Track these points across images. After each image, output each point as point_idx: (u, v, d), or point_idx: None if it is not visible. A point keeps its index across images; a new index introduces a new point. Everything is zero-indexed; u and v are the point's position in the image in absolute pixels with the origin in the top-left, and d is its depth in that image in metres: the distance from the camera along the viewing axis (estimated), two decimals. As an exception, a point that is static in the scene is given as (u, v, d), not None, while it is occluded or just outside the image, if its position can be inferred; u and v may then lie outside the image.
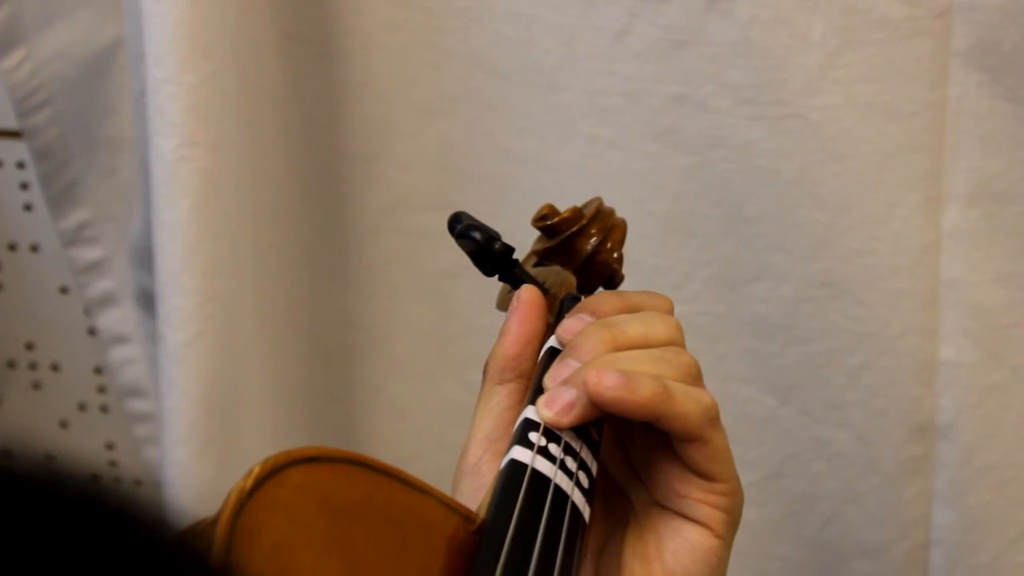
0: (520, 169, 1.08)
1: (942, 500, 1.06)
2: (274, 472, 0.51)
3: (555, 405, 0.61)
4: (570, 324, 0.65)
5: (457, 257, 0.71)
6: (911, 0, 0.98)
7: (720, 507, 0.63)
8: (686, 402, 0.61)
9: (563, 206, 0.72)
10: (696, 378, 0.63)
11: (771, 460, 1.09)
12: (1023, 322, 1.04)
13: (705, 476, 0.63)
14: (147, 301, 1.19)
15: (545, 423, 0.61)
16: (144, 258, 1.14)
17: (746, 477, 1.12)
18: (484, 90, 1.07)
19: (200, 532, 0.51)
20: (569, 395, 0.61)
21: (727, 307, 1.06)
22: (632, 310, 0.66)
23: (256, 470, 0.51)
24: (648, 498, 0.65)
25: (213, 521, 0.50)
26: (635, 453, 0.65)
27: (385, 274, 1.15)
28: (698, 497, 0.63)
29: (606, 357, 0.62)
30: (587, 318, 0.65)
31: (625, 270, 0.74)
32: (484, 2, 1.05)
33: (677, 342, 0.65)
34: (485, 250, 0.67)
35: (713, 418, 0.62)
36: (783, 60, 0.99)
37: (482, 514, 0.57)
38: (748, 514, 1.14)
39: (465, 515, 0.57)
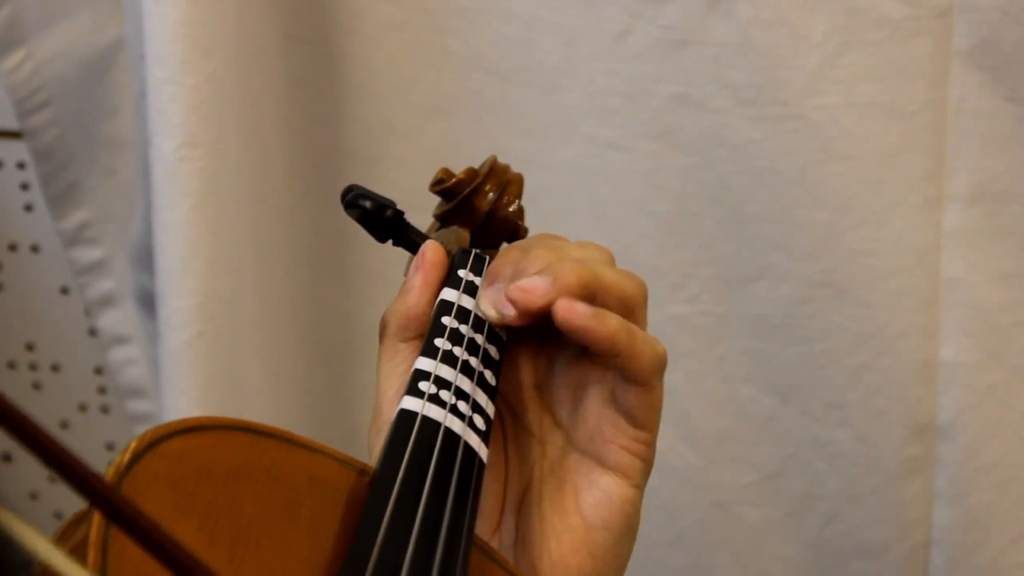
0: (520, 169, 1.08)
1: (943, 500, 1.06)
2: (152, 445, 0.51)
3: (528, 290, 0.61)
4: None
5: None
6: (911, 0, 0.98)
7: (640, 456, 0.64)
8: (643, 344, 0.62)
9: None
10: (641, 305, 0.64)
11: (771, 460, 1.09)
12: (1023, 322, 1.04)
13: (635, 422, 0.63)
14: (147, 301, 1.19)
15: (518, 306, 0.61)
16: (144, 258, 1.14)
17: (746, 477, 1.13)
18: (484, 90, 1.07)
19: (81, 516, 0.50)
20: (543, 282, 0.61)
21: (727, 307, 1.06)
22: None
23: (133, 444, 0.50)
24: (565, 445, 0.65)
25: None
26: (562, 394, 0.65)
27: (385, 274, 1.15)
28: (622, 443, 0.63)
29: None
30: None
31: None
32: (484, 2, 1.05)
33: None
34: (374, 217, 0.69)
35: (663, 367, 0.63)
36: (783, 60, 0.99)
37: (376, 466, 0.57)
38: (748, 514, 1.14)
39: (360, 468, 0.57)
